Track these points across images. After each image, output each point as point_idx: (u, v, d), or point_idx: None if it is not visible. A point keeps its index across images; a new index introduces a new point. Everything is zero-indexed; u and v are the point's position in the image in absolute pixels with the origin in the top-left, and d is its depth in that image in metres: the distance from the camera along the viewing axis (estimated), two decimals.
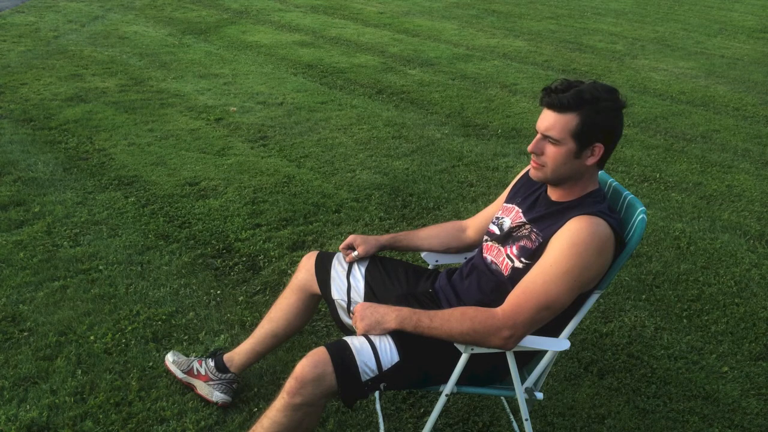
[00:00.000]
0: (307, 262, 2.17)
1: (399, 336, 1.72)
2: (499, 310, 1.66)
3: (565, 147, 1.69)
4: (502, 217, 1.92)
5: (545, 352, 1.77)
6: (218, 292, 2.93)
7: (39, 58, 6.68)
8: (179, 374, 2.32)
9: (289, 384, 1.67)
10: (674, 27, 10.47)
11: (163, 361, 2.42)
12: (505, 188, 2.10)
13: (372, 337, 1.73)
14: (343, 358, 1.67)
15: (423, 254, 2.20)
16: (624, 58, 8.13)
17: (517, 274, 1.73)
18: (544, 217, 1.78)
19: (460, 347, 1.69)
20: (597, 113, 1.66)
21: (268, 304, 2.64)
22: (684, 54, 8.53)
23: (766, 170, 4.78)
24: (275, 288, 2.97)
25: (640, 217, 1.71)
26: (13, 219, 3.44)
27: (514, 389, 1.79)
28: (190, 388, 2.31)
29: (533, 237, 1.75)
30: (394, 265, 2.12)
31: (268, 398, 2.24)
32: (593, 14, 11.30)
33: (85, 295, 2.83)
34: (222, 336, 2.63)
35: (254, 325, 2.43)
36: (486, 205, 2.50)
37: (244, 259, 3.21)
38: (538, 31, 9.58)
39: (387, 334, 1.73)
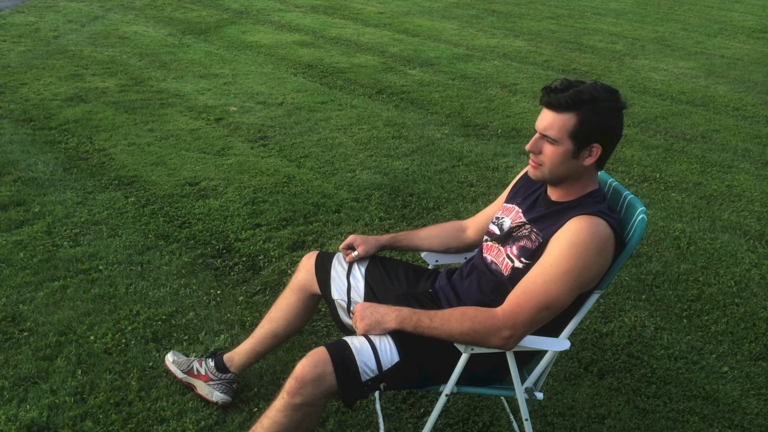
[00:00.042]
0: (307, 262, 2.17)
1: (399, 336, 1.72)
2: (499, 310, 1.66)
3: (562, 147, 1.69)
4: (502, 217, 1.92)
5: (545, 352, 1.77)
6: (218, 292, 2.93)
7: (39, 58, 6.68)
8: (179, 374, 2.33)
9: (289, 384, 1.67)
10: (674, 27, 10.47)
11: (163, 361, 2.42)
12: (505, 188, 2.10)
13: (372, 337, 1.73)
14: (343, 358, 1.67)
15: (423, 254, 2.20)
16: (624, 58, 8.12)
17: (517, 274, 1.73)
18: (544, 217, 1.78)
19: (460, 347, 1.69)
20: (595, 114, 1.65)
21: (268, 304, 2.64)
22: (684, 54, 8.52)
23: (766, 170, 4.78)
24: (275, 288, 2.97)
25: (640, 217, 1.71)
26: (13, 219, 3.44)
27: (514, 389, 1.79)
28: (190, 388, 2.31)
29: (533, 237, 1.75)
30: (394, 265, 2.12)
31: (268, 398, 2.24)
32: (593, 14, 11.30)
33: (85, 295, 2.83)
34: (222, 336, 2.63)
35: (254, 325, 2.43)
36: (486, 205, 2.51)
37: (244, 259, 3.21)
38: (538, 31, 9.57)
39: (387, 334, 1.73)
